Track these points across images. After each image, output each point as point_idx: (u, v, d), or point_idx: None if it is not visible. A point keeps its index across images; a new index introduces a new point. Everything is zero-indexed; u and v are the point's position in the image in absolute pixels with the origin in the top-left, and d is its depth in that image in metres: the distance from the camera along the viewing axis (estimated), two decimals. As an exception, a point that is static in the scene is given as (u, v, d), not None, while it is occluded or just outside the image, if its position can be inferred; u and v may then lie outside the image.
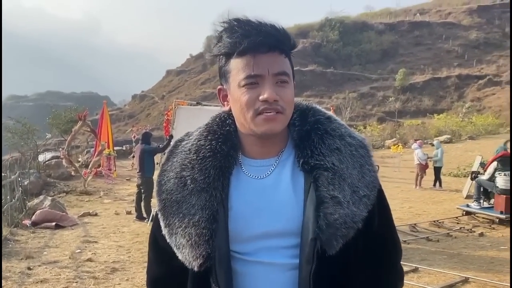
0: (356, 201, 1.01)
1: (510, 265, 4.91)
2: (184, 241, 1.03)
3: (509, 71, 48.86)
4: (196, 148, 1.08)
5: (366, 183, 1.04)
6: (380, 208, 1.09)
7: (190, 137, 1.13)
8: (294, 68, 1.09)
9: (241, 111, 1.02)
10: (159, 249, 1.15)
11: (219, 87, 1.10)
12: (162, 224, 1.08)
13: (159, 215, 1.10)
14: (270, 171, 1.06)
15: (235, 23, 0.99)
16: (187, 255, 1.03)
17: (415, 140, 18.59)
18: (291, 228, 1.01)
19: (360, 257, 1.05)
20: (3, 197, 7.79)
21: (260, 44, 0.97)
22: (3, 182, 8.14)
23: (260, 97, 0.98)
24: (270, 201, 1.02)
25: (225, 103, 1.09)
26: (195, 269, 1.02)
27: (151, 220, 8.28)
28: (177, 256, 1.06)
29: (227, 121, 1.11)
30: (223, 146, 1.07)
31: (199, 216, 1.02)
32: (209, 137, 1.09)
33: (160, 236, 1.10)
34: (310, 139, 1.05)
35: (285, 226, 1.01)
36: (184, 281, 1.09)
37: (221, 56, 1.04)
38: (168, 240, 1.07)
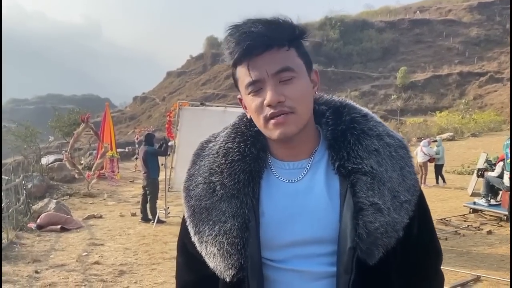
0: (397, 207, 0.95)
1: (510, 262, 4.87)
2: (215, 250, 0.98)
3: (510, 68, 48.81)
4: (225, 151, 1.03)
5: (407, 187, 0.98)
6: (420, 212, 1.02)
7: (217, 139, 1.08)
8: None
9: (254, 118, 0.98)
10: (188, 256, 1.11)
11: (238, 96, 1.05)
12: (191, 231, 1.04)
13: (187, 222, 1.06)
14: (303, 175, 0.99)
15: (229, 31, 0.94)
16: (218, 264, 0.98)
17: (418, 138, 18.57)
18: (327, 236, 0.95)
19: (399, 264, 1.00)
20: (7, 200, 7.76)
21: (250, 49, 0.90)
22: (7, 186, 8.12)
23: (264, 102, 0.93)
24: (303, 207, 0.97)
25: (247, 110, 1.03)
26: (227, 279, 0.97)
27: (157, 222, 8.30)
28: (207, 264, 1.01)
29: None
30: (252, 148, 1.02)
31: (230, 224, 0.97)
32: (237, 139, 1.04)
33: (190, 242, 1.06)
34: (345, 140, 0.98)
35: (321, 233, 0.96)
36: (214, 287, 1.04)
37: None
38: (198, 248, 1.03)
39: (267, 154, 1.03)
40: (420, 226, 1.03)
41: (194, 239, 1.03)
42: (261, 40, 0.90)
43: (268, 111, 0.92)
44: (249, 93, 0.95)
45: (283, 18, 0.94)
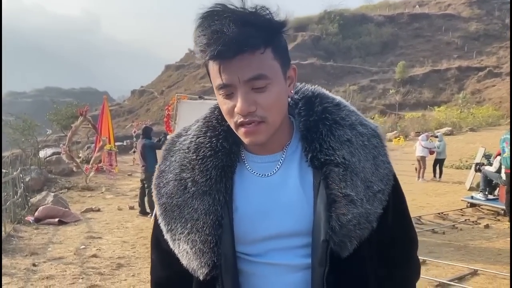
0: (370, 197, 0.94)
1: (510, 256, 4.89)
2: (188, 248, 0.96)
3: (509, 63, 48.76)
4: (196, 146, 1.00)
5: (380, 176, 0.97)
6: (395, 201, 1.01)
7: (188, 133, 1.04)
8: (294, 62, 0.95)
9: (225, 117, 0.94)
10: (162, 252, 1.08)
11: None
12: (163, 229, 1.01)
13: (159, 220, 1.02)
14: (276, 168, 0.97)
15: (200, 22, 0.87)
16: (191, 262, 0.97)
17: (417, 132, 18.62)
18: (301, 229, 0.94)
19: (374, 254, 0.99)
20: (5, 193, 7.75)
21: (221, 53, 0.84)
22: (5, 179, 8.10)
23: (235, 110, 0.89)
24: (277, 201, 0.95)
25: None
26: (201, 278, 0.96)
27: (155, 215, 8.29)
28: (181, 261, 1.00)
29: None
30: (224, 143, 0.98)
31: (203, 222, 0.95)
32: (208, 134, 1.00)
33: (163, 239, 1.03)
34: (318, 131, 0.96)
35: (295, 226, 0.94)
36: (189, 285, 1.02)
37: None
38: (171, 246, 1.01)
39: (240, 148, 1.01)
40: (395, 215, 1.02)
41: (167, 236, 1.01)
42: (233, 45, 0.83)
43: (239, 118, 0.90)
44: (220, 94, 0.91)
45: (259, 8, 0.87)
